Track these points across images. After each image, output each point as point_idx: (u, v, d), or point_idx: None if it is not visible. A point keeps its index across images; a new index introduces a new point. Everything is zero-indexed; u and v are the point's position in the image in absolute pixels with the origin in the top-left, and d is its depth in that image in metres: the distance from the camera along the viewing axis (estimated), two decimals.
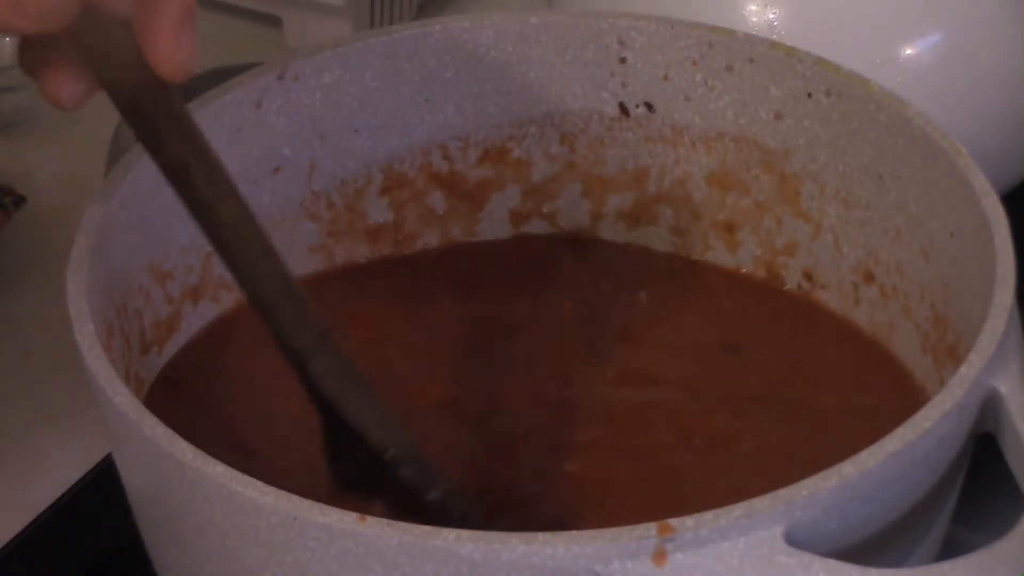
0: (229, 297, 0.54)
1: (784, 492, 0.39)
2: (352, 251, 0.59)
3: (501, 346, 0.55)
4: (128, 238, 0.50)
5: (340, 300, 0.56)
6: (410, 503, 0.44)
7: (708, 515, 0.38)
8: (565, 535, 0.38)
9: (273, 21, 0.84)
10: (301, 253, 0.57)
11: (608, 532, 0.38)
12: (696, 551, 0.38)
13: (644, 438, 0.51)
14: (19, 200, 0.68)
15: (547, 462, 0.50)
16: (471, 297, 0.57)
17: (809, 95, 0.54)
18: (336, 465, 0.46)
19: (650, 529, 0.38)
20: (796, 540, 0.38)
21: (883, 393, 0.52)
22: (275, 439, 0.50)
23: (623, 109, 0.58)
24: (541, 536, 0.38)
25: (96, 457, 0.58)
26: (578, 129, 0.59)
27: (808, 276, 0.57)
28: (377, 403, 0.45)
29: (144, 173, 0.50)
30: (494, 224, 0.60)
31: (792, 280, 0.57)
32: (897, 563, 0.42)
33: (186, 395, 0.52)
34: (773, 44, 0.55)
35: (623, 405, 0.52)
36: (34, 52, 0.42)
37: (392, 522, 0.38)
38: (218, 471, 0.40)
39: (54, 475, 0.59)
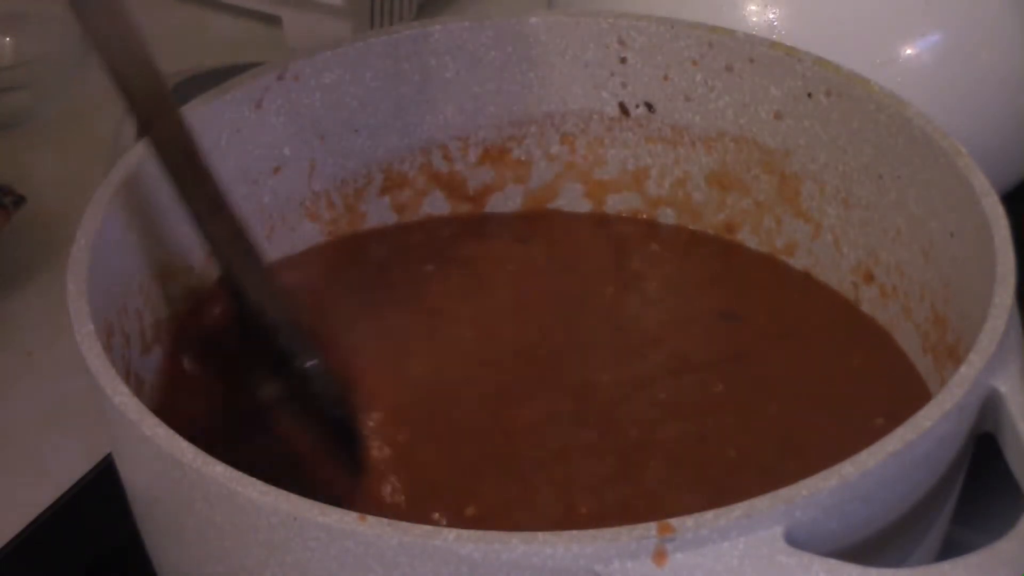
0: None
1: (784, 492, 0.39)
2: None
3: (494, 316, 0.55)
4: (128, 238, 0.50)
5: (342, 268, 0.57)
6: (291, 379, 0.47)
7: (708, 515, 0.38)
8: (565, 535, 0.38)
9: (273, 21, 0.84)
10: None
11: (608, 532, 0.38)
12: (696, 551, 0.38)
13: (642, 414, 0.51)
14: (19, 200, 0.68)
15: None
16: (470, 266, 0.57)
17: (809, 95, 0.54)
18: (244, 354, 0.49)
19: (650, 529, 0.38)
20: (796, 540, 0.38)
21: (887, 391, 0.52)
22: (276, 437, 0.50)
23: (623, 109, 0.58)
24: (541, 536, 0.38)
25: (96, 457, 0.58)
26: (578, 129, 0.59)
27: (808, 276, 0.57)
28: (260, 268, 0.49)
29: (144, 173, 0.50)
30: None
31: None
32: (897, 563, 0.42)
33: (187, 394, 0.52)
34: (773, 44, 0.55)
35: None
36: None
37: (392, 522, 0.38)
38: (218, 471, 0.40)
39: (54, 475, 0.59)
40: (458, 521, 0.46)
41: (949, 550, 0.44)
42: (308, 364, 0.48)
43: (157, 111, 0.48)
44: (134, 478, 0.45)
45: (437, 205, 0.59)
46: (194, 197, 0.49)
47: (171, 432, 0.41)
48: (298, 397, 0.48)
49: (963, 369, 0.42)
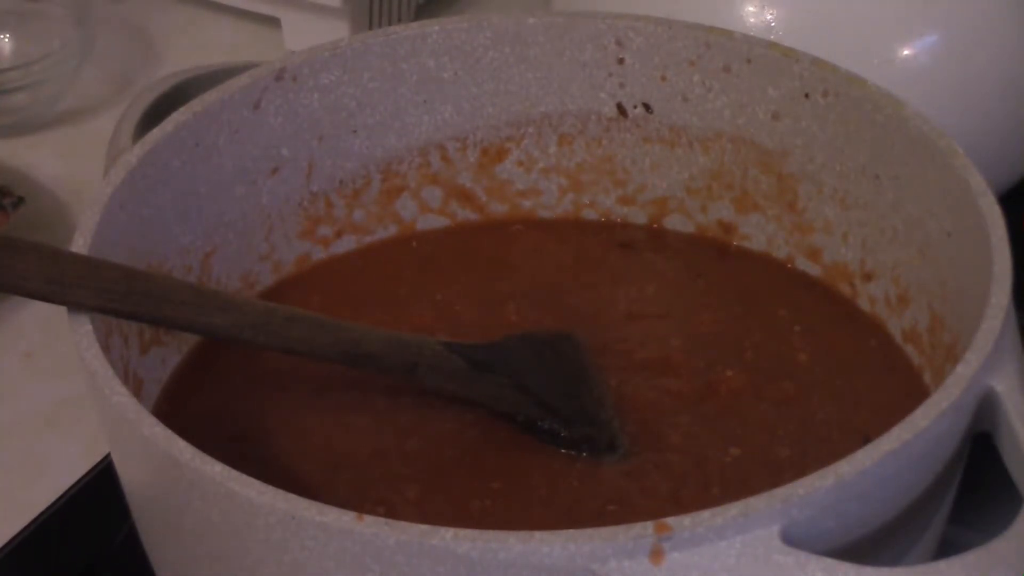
0: None
1: (781, 491, 0.39)
2: None
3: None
4: (127, 238, 0.50)
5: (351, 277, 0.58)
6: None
7: (705, 514, 0.38)
8: (562, 534, 0.38)
9: (272, 22, 0.85)
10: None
11: (605, 531, 0.38)
12: (693, 550, 0.38)
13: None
14: (18, 201, 0.68)
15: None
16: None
17: (806, 95, 0.54)
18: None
19: (647, 528, 0.38)
20: (793, 539, 0.39)
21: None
22: (275, 436, 0.50)
23: (621, 110, 0.58)
24: (538, 535, 0.38)
25: (96, 457, 0.58)
26: (576, 130, 0.59)
27: (805, 275, 0.57)
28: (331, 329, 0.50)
29: (144, 173, 0.50)
30: None
31: None
32: (894, 562, 0.42)
33: (187, 393, 0.52)
34: (770, 45, 0.55)
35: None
36: None
37: (389, 521, 0.38)
38: (216, 470, 0.40)
39: (54, 475, 0.59)
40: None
41: (946, 549, 0.44)
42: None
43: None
44: (132, 478, 0.45)
45: (435, 206, 0.59)
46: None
47: (169, 432, 0.41)
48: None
49: (959, 368, 0.42)
